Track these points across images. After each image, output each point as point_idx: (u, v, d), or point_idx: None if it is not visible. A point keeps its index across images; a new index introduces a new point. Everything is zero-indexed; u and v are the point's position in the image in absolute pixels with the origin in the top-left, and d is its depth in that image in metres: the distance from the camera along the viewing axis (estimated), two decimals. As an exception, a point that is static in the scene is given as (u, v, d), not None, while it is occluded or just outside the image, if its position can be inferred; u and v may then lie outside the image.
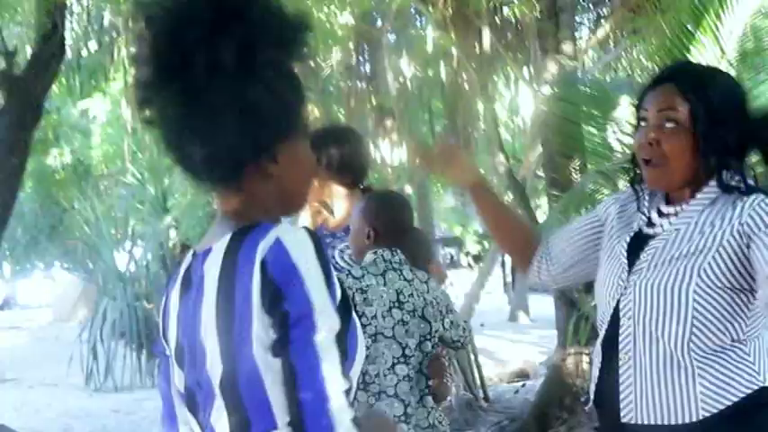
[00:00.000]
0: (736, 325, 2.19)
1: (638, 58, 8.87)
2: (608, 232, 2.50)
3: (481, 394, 9.34)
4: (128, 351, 12.23)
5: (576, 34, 8.85)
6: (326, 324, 1.48)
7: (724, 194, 2.22)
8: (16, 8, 7.92)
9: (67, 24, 8.34)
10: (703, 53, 5.01)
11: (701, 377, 2.17)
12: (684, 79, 2.30)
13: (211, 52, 1.54)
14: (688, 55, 5.22)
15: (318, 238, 1.55)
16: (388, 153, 11.79)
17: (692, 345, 2.18)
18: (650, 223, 2.35)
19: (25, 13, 8.02)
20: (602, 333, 2.40)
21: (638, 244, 2.33)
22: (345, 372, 1.49)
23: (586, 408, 2.91)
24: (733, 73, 5.13)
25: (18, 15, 8.12)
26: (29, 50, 8.11)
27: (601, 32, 8.91)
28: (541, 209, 13.46)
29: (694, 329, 2.18)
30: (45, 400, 11.16)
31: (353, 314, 1.58)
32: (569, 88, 6.81)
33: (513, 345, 14.62)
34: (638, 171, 2.39)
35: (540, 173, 9.01)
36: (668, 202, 2.34)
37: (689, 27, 5.15)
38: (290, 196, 1.72)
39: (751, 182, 2.23)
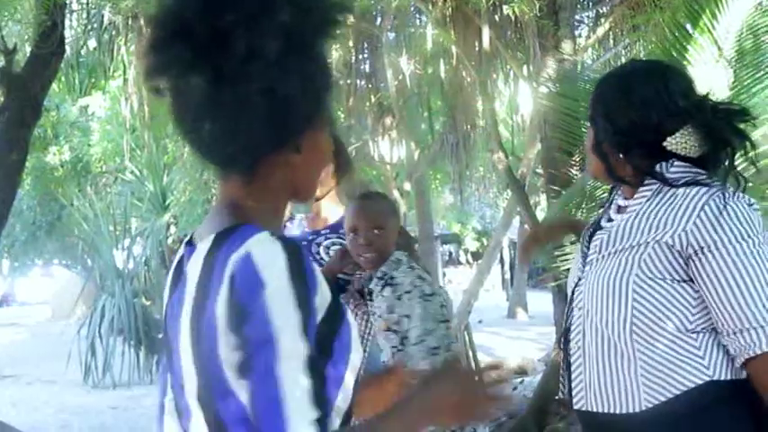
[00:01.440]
0: (680, 315, 2.20)
1: (638, 55, 8.87)
2: (583, 232, 2.59)
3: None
4: (126, 348, 12.25)
5: (576, 32, 8.85)
6: (291, 351, 1.35)
7: (665, 186, 2.26)
8: (16, 6, 7.91)
9: (67, 22, 8.34)
10: (700, 52, 5.02)
11: (642, 367, 2.20)
12: (602, 81, 2.48)
13: (253, 36, 1.47)
14: (685, 53, 5.22)
15: (296, 250, 1.42)
16: (388, 151, 11.78)
17: (633, 335, 2.21)
18: (610, 219, 2.43)
19: (25, 10, 8.01)
20: (562, 325, 2.49)
21: (593, 236, 2.42)
22: (318, 398, 1.36)
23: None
24: (731, 71, 5.14)
25: (17, 13, 8.11)
26: (28, 48, 8.10)
27: (600, 30, 8.91)
28: (541, 206, 13.48)
29: (635, 319, 2.21)
30: (43, 396, 11.19)
31: (346, 321, 1.51)
32: (569, 86, 6.81)
33: (512, 341, 14.66)
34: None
35: (540, 170, 9.00)
36: (625, 199, 2.41)
37: (686, 26, 5.14)
38: (304, 185, 1.66)
39: (698, 171, 2.27)
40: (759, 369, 2.13)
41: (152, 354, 12.24)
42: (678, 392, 2.17)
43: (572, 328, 2.39)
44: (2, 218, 7.50)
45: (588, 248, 2.42)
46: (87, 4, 9.73)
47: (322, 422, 1.35)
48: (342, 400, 1.48)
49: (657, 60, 2.68)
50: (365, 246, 3.28)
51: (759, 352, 2.10)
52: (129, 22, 9.69)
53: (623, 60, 8.86)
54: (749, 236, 2.14)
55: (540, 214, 11.41)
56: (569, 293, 2.48)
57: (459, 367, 1.72)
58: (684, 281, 2.20)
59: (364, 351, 3.48)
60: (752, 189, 4.85)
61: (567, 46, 7.63)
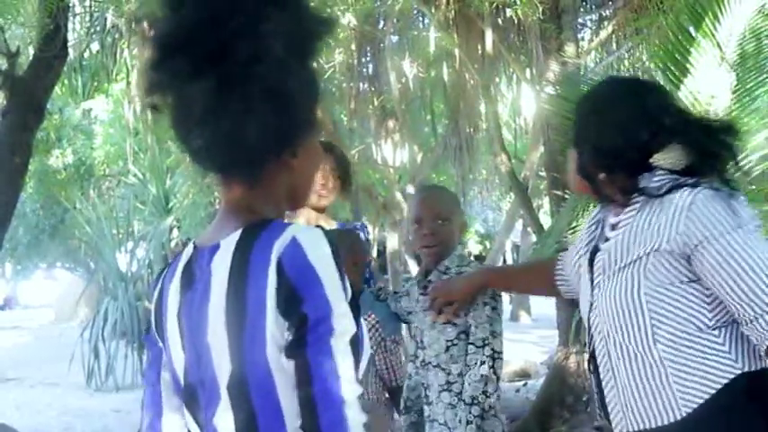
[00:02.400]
0: (696, 314, 2.22)
1: (641, 58, 8.87)
2: (578, 252, 2.61)
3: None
4: (129, 351, 12.25)
5: (579, 35, 8.86)
6: (343, 328, 1.47)
7: (650, 198, 2.29)
8: (19, 9, 7.92)
9: (70, 25, 8.36)
10: (703, 55, 5.01)
11: (672, 374, 2.20)
12: (580, 102, 2.53)
13: (255, 41, 1.51)
14: (688, 57, 5.22)
15: (333, 238, 1.52)
16: (391, 154, 11.79)
17: (658, 344, 2.23)
18: (606, 240, 2.44)
19: (28, 14, 8.02)
20: (588, 351, 2.50)
21: (594, 259, 2.45)
22: (356, 376, 1.48)
23: (588, 408, 2.95)
24: (733, 75, 5.14)
25: (20, 16, 8.12)
26: (31, 51, 8.11)
27: (603, 33, 8.91)
28: (543, 209, 13.48)
29: (655, 328, 2.23)
30: (46, 399, 11.18)
31: (359, 317, 1.55)
32: (571, 89, 6.80)
33: (515, 344, 14.63)
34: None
35: (543, 173, 9.01)
36: (616, 215, 2.43)
37: (689, 29, 5.14)
38: (301, 190, 1.71)
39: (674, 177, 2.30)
40: None
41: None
42: (713, 391, 2.18)
43: (596, 353, 2.41)
44: (5, 221, 7.51)
45: (592, 272, 2.44)
46: (90, 7, 9.74)
47: (360, 398, 1.46)
48: None
49: (635, 78, 2.71)
50: (429, 237, 3.24)
51: None
52: (132, 26, 9.70)
53: (626, 63, 8.87)
54: (739, 225, 2.17)
55: (543, 217, 11.40)
56: (585, 320, 2.50)
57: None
58: (693, 281, 2.23)
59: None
60: (756, 191, 4.87)
61: (569, 49, 7.64)
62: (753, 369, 2.19)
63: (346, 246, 3.24)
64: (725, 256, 2.15)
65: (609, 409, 2.37)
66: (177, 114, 1.58)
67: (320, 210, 3.89)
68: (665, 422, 2.23)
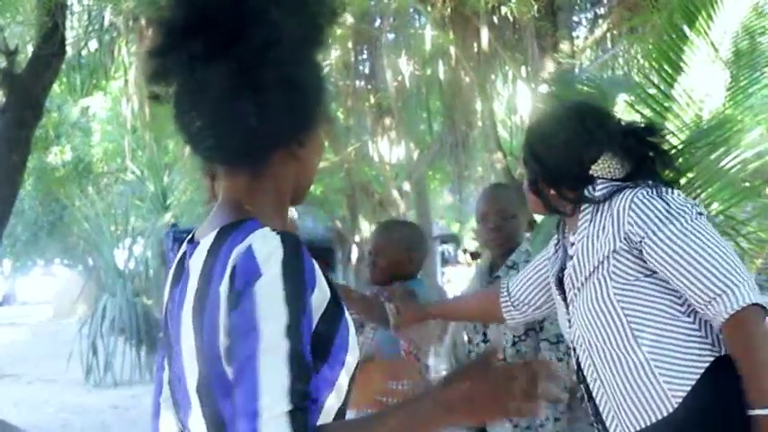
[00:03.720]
0: (668, 302, 2.28)
1: (635, 56, 8.90)
2: (548, 271, 2.73)
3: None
4: (127, 347, 12.26)
5: (574, 33, 8.89)
6: (272, 343, 1.35)
7: (596, 206, 2.41)
8: (17, 7, 7.94)
9: (68, 23, 8.37)
10: (697, 53, 5.04)
11: (658, 368, 2.25)
12: (528, 129, 2.77)
13: (269, 27, 1.47)
14: (682, 55, 5.25)
15: (296, 246, 1.42)
16: (387, 151, 11.81)
17: (638, 339, 2.28)
18: (570, 258, 2.53)
19: (26, 12, 8.04)
20: (572, 364, 2.58)
21: (562, 279, 2.55)
22: (297, 393, 1.34)
23: (583, 404, 2.96)
24: (728, 73, 5.16)
25: (19, 15, 8.14)
26: (30, 49, 8.14)
27: (598, 32, 8.95)
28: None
29: (632, 324, 2.29)
30: (44, 395, 11.19)
31: (344, 320, 1.49)
32: (566, 87, 6.82)
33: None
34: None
35: (538, 171, 9.03)
36: (573, 234, 2.53)
37: (682, 27, 5.16)
38: (305, 181, 1.66)
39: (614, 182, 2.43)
40: (728, 333, 2.19)
41: (153, 353, 12.25)
42: (697, 377, 2.22)
43: (582, 366, 2.46)
44: (3, 218, 7.54)
45: (561, 294, 2.55)
46: (88, 5, 9.75)
47: (295, 415, 1.33)
48: (334, 398, 1.47)
49: (578, 101, 2.87)
50: (494, 232, 3.33)
51: (726, 316, 2.15)
52: (130, 24, 9.73)
53: (621, 61, 8.90)
54: (677, 215, 2.25)
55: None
56: (568, 339, 2.58)
57: (490, 362, 1.56)
58: (653, 273, 2.29)
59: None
60: (749, 188, 4.91)
61: (565, 47, 7.67)
62: (727, 353, 2.23)
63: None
64: (666, 248, 2.23)
65: (603, 416, 2.41)
66: (184, 102, 1.53)
67: None
68: (659, 417, 2.26)
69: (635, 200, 2.29)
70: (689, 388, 2.22)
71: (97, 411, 10.07)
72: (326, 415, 1.46)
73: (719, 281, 2.16)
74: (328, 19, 1.60)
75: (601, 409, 2.42)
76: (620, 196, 2.33)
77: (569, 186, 2.48)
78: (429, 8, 8.95)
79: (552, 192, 2.53)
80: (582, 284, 2.40)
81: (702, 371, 2.22)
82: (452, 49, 9.65)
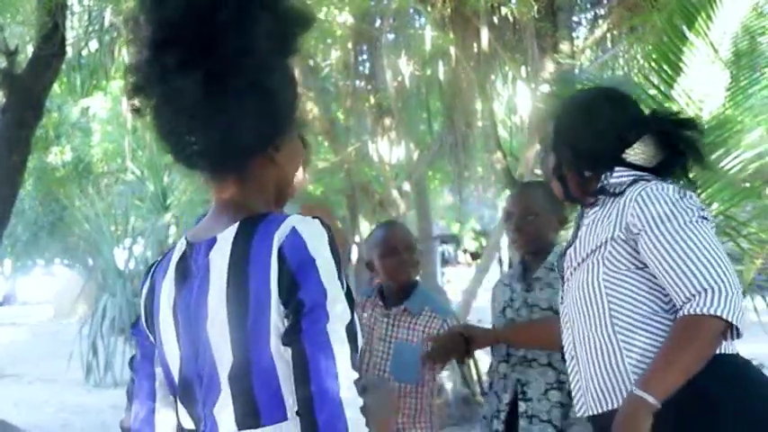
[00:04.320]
0: (652, 297, 2.31)
1: (635, 57, 8.90)
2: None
3: (478, 389, 9.36)
4: (127, 347, 12.26)
5: (574, 34, 8.88)
6: (339, 314, 1.48)
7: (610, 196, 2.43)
8: (18, 8, 7.94)
9: (68, 24, 8.36)
10: (696, 53, 5.05)
11: (627, 354, 2.28)
12: (556, 111, 2.71)
13: (241, 35, 1.52)
14: (682, 55, 5.25)
15: (331, 228, 1.54)
16: (387, 151, 11.81)
17: (615, 326, 2.31)
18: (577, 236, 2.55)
19: (26, 12, 8.04)
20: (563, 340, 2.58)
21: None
22: (354, 363, 1.48)
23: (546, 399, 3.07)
24: (728, 73, 5.17)
25: (19, 15, 8.14)
26: (30, 49, 8.14)
27: (598, 32, 8.94)
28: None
29: (613, 312, 2.32)
30: (44, 395, 11.21)
31: (353, 303, 1.56)
32: (567, 87, 6.83)
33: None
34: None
35: (538, 170, 9.04)
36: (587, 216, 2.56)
37: (682, 28, 5.17)
38: (285, 186, 1.72)
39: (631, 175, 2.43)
40: (678, 324, 2.20)
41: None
42: None
43: (564, 341, 2.51)
44: (4, 218, 7.55)
45: (560, 270, 2.59)
46: (89, 5, 9.75)
47: (357, 384, 1.46)
48: None
49: (611, 87, 2.82)
50: (515, 231, 3.35)
51: (690, 312, 2.16)
52: (130, 23, 9.71)
53: (621, 62, 8.90)
54: (675, 215, 2.27)
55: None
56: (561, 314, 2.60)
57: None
58: (645, 267, 2.32)
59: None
60: (749, 189, 4.92)
61: (565, 47, 7.66)
62: None
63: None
64: (659, 243, 2.25)
65: (573, 393, 2.47)
66: (163, 113, 1.58)
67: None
68: (617, 404, 2.27)
69: (642, 193, 2.31)
70: None
71: (97, 411, 10.09)
72: None
73: (702, 281, 2.17)
74: (300, 27, 1.65)
75: (572, 386, 2.47)
76: (633, 188, 2.35)
77: (597, 174, 2.48)
78: (429, 8, 8.95)
79: (575, 177, 2.54)
80: (578, 264, 2.43)
81: None
82: (452, 50, 9.64)
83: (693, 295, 2.17)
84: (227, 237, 1.56)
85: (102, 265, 13.37)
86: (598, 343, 2.34)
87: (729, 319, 2.13)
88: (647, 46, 6.67)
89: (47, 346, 15.51)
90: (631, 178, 2.40)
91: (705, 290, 2.16)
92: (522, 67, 9.30)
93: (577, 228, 2.59)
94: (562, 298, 2.55)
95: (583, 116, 2.55)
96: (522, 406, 3.26)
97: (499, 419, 3.34)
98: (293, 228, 1.51)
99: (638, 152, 2.45)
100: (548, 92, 7.34)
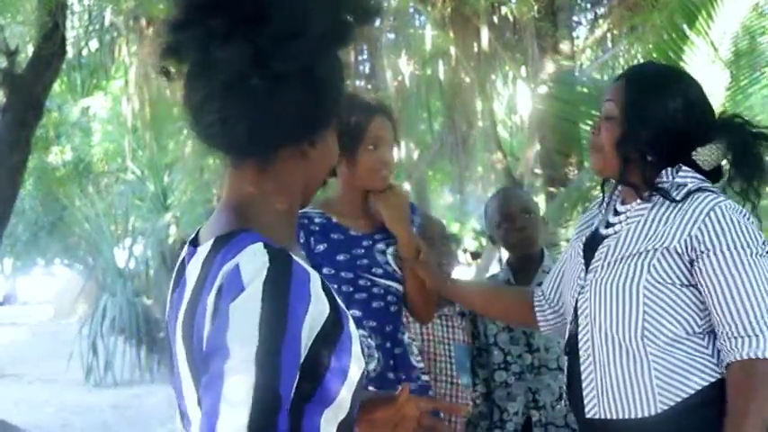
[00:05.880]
0: (688, 318, 2.24)
1: (636, 56, 8.91)
2: (571, 241, 2.62)
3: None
4: (127, 347, 12.28)
5: (574, 34, 8.89)
6: (239, 366, 1.28)
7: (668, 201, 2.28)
8: (18, 8, 7.95)
9: (68, 23, 8.36)
10: (696, 53, 5.05)
11: (656, 369, 2.22)
12: (633, 77, 2.44)
13: (293, 15, 1.41)
14: (683, 55, 5.26)
15: (284, 263, 1.36)
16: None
17: (645, 339, 2.23)
18: (608, 224, 2.43)
19: (27, 12, 8.05)
20: (566, 333, 2.49)
21: (594, 243, 2.42)
22: (258, 421, 1.25)
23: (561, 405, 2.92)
24: (728, 72, 5.18)
25: (20, 14, 8.15)
26: (30, 49, 8.14)
27: (598, 32, 8.96)
28: (539, 206, 13.46)
29: (646, 324, 2.23)
30: (44, 395, 11.20)
31: (346, 334, 1.42)
32: (566, 87, 6.85)
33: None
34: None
35: (538, 170, 9.05)
36: (623, 203, 2.42)
37: (682, 27, 5.18)
38: (313, 186, 1.60)
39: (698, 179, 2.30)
40: (734, 374, 2.16)
41: (153, 353, 12.29)
42: (692, 392, 2.20)
43: (579, 336, 2.39)
44: (4, 218, 7.55)
45: (585, 256, 2.44)
46: (89, 5, 9.76)
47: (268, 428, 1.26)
48: (334, 412, 1.42)
49: (680, 68, 2.66)
50: (520, 231, 3.30)
51: (742, 357, 2.13)
52: (131, 23, 9.73)
53: (621, 62, 8.91)
54: (749, 245, 2.17)
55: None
56: (571, 301, 2.48)
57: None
58: (691, 285, 2.23)
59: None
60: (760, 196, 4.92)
61: (565, 47, 7.67)
62: None
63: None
64: (729, 267, 2.16)
65: (584, 393, 2.36)
66: (194, 81, 1.46)
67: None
68: (639, 415, 2.24)
69: (717, 209, 2.19)
70: (679, 399, 2.21)
71: (97, 411, 10.09)
72: (329, 428, 1.42)
73: (756, 323, 2.13)
74: (360, 19, 1.53)
75: (584, 386, 2.37)
76: (702, 197, 2.22)
77: (664, 160, 2.31)
78: (429, 8, 8.96)
79: (639, 161, 2.32)
80: (615, 261, 2.30)
81: (699, 387, 2.20)
82: (452, 49, 9.65)
83: (748, 335, 2.13)
84: (201, 253, 1.45)
85: (103, 264, 13.36)
86: (624, 350, 2.27)
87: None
88: (648, 45, 6.68)
89: (47, 346, 15.49)
90: (696, 185, 2.27)
91: (760, 333, 2.13)
92: (523, 67, 9.32)
93: (604, 212, 2.49)
94: (582, 287, 2.41)
95: (674, 94, 2.33)
96: (534, 415, 3.22)
97: (504, 429, 3.29)
98: (236, 265, 1.34)
99: (706, 154, 2.31)
100: (547, 92, 7.35)
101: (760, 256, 2.18)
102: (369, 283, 2.75)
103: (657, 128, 2.30)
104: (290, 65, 1.40)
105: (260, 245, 1.37)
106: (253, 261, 1.34)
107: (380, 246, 2.83)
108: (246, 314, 1.30)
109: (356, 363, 1.44)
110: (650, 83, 2.39)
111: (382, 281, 2.78)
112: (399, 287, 2.83)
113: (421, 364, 2.90)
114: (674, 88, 2.36)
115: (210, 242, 1.44)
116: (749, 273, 2.16)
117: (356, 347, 1.45)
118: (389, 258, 2.81)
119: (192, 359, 1.40)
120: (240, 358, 1.27)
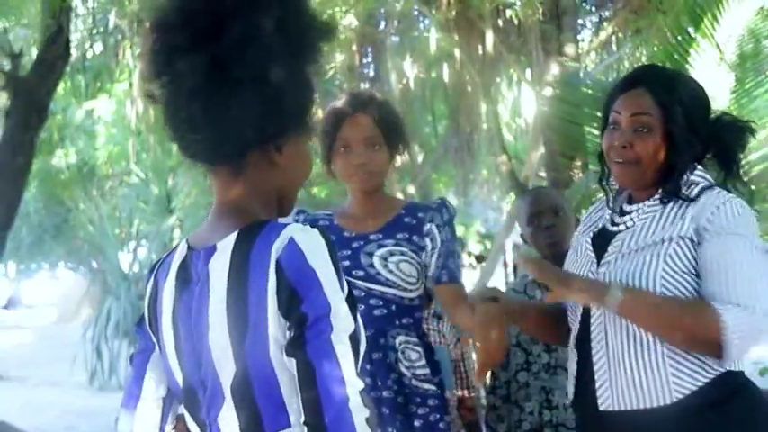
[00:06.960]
0: None
1: (640, 59, 8.90)
2: (575, 239, 2.61)
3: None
4: (131, 350, 12.27)
5: (579, 36, 8.89)
6: (342, 325, 1.48)
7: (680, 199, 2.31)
8: (22, 11, 7.96)
9: (72, 26, 8.37)
10: (702, 55, 5.05)
11: (671, 359, 2.22)
12: (656, 84, 2.38)
13: (248, 25, 1.52)
14: (688, 57, 5.25)
15: (331, 239, 1.54)
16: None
17: None
18: (613, 222, 2.44)
19: (31, 15, 8.05)
20: (575, 328, 2.48)
21: (602, 240, 2.43)
22: (357, 371, 1.49)
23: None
24: (733, 75, 5.17)
25: (24, 17, 8.16)
26: (34, 52, 8.15)
27: (603, 34, 8.95)
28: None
29: None
30: (49, 398, 11.21)
31: (357, 313, 1.57)
32: (571, 89, 6.83)
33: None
34: (606, 170, 2.49)
35: (543, 173, 9.04)
36: (630, 201, 2.43)
37: (688, 30, 5.18)
38: (287, 194, 1.69)
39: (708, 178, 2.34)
40: (705, 311, 2.15)
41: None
42: (706, 381, 2.21)
43: (592, 328, 2.39)
44: (8, 221, 7.55)
45: (595, 251, 2.43)
46: (93, 8, 9.77)
47: (362, 393, 1.47)
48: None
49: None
50: (549, 229, 3.25)
51: (720, 312, 2.12)
52: (135, 26, 9.74)
53: (626, 64, 8.91)
54: (749, 237, 2.21)
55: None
56: None
57: None
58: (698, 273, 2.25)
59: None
60: (755, 191, 4.91)
61: (569, 50, 7.66)
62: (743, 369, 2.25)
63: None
64: (729, 248, 2.19)
65: (596, 386, 2.35)
66: (170, 98, 1.59)
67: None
68: (654, 404, 2.24)
69: (728, 202, 2.24)
70: (695, 388, 2.21)
71: (102, 414, 10.06)
72: None
73: (747, 299, 2.14)
74: (318, 34, 1.64)
75: (596, 377, 2.36)
76: (716, 192, 2.28)
77: (692, 158, 2.35)
78: (433, 11, 8.96)
79: (684, 165, 2.34)
80: (631, 252, 2.31)
81: (713, 377, 2.21)
82: (457, 53, 9.65)
83: (739, 305, 2.13)
84: (226, 246, 1.55)
85: (107, 268, 13.37)
86: (638, 341, 2.26)
87: (725, 342, 2.11)
88: (652, 48, 6.68)
89: (51, 350, 15.51)
90: (708, 183, 2.32)
91: (743, 306, 2.13)
92: (527, 70, 9.32)
93: (610, 212, 2.49)
94: (591, 272, 2.40)
95: (698, 95, 2.39)
96: (546, 415, 3.20)
97: (521, 429, 3.27)
98: (291, 238, 1.50)
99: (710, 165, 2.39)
100: (552, 95, 7.34)
101: (758, 250, 2.21)
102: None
103: (701, 132, 2.34)
104: (246, 71, 1.52)
105: (299, 224, 1.57)
106: (307, 235, 1.51)
107: (369, 248, 2.81)
108: (332, 284, 1.49)
109: (363, 344, 1.58)
110: (677, 88, 2.37)
111: (362, 283, 2.77)
112: (382, 289, 2.80)
113: (423, 371, 2.85)
114: (696, 88, 2.40)
115: (233, 236, 1.55)
116: (749, 257, 2.19)
117: (363, 332, 1.58)
118: (375, 261, 2.80)
119: (239, 343, 1.51)
120: (338, 318, 1.48)
